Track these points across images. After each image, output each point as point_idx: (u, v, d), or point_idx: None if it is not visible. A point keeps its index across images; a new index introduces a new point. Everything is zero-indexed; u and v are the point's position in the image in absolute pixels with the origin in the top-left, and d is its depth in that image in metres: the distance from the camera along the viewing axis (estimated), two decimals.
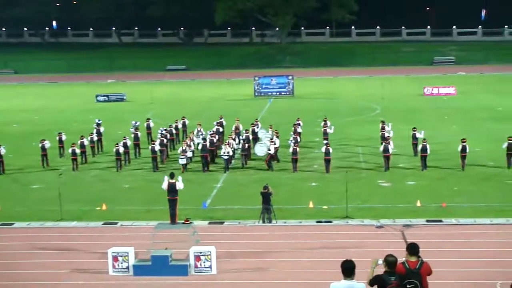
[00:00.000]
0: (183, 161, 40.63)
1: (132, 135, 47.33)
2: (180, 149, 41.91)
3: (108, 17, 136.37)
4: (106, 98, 78.94)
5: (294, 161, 41.47)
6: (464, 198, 34.10)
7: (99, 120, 51.48)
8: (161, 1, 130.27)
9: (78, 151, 43.65)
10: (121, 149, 43.10)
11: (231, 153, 41.71)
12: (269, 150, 41.55)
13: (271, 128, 47.06)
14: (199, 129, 47.10)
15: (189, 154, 41.88)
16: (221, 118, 51.22)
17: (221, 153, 41.89)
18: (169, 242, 25.88)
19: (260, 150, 42.84)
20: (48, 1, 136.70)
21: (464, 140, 40.22)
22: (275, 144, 42.35)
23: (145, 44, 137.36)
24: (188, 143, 42.66)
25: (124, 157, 44.06)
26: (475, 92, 76.46)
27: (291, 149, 41.86)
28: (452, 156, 41.97)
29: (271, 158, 41.41)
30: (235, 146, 43.80)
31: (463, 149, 39.87)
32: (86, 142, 45.32)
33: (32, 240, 29.56)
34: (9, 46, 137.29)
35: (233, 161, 43.00)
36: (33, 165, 44.60)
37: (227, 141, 42.98)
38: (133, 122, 51.25)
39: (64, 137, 46.93)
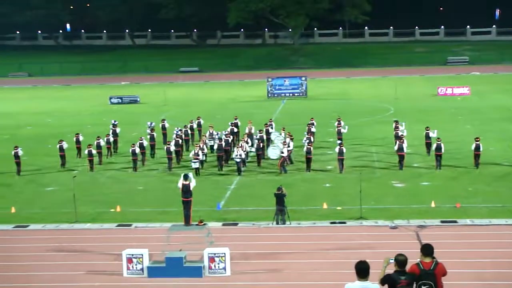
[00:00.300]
0: (196, 165, 40.13)
1: (148, 136, 47.66)
2: (192, 152, 41.44)
3: (121, 19, 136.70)
4: (120, 100, 79.18)
5: (308, 160, 41.62)
6: (478, 199, 33.99)
7: (115, 121, 52.22)
8: (173, 3, 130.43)
9: (94, 151, 44.05)
10: (137, 150, 43.48)
11: (243, 156, 41.32)
12: (282, 153, 41.20)
13: (283, 130, 46.58)
14: (211, 131, 47.11)
15: (202, 157, 41.50)
16: (236, 119, 51.35)
17: (234, 156, 41.54)
18: (183, 244, 25.95)
19: (273, 153, 42.58)
20: (61, 4, 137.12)
21: (477, 139, 40.57)
22: (288, 146, 41.98)
23: (158, 46, 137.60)
24: (201, 146, 42.28)
25: (141, 157, 44.40)
26: (489, 92, 76.20)
27: (305, 149, 42.02)
28: (466, 156, 42.09)
29: (284, 161, 41.15)
30: (248, 149, 43.44)
31: (477, 148, 40.23)
32: (102, 143, 45.88)
33: (47, 242, 29.69)
34: (23, 49, 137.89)
35: (246, 164, 42.48)
36: (48, 167, 44.83)
37: (240, 144, 42.71)
38: (149, 123, 51.44)
39: (81, 138, 47.34)
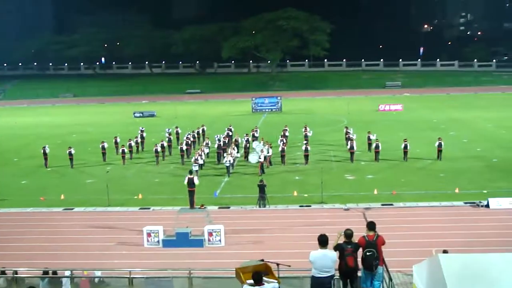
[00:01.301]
0: (196, 168, 38.74)
1: (166, 139, 48.71)
2: (193, 158, 40.27)
3: (143, 54, 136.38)
4: (141, 114, 78.90)
5: (283, 156, 42.23)
6: (409, 187, 34.17)
7: (142, 128, 53.86)
8: (181, 42, 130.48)
9: (126, 150, 45.42)
10: (159, 149, 44.66)
11: (232, 161, 40.01)
12: (260, 158, 39.89)
13: (263, 140, 45.72)
14: (207, 142, 46.59)
15: (201, 161, 40.40)
16: (230, 126, 52.82)
17: (224, 161, 40.29)
18: (189, 222, 25.92)
19: (253, 158, 41.24)
20: (98, 42, 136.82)
21: (405, 140, 42.70)
22: (268, 153, 41.18)
23: (170, 74, 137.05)
24: (200, 153, 41.29)
25: (162, 154, 45.29)
26: (417, 109, 76.46)
27: (280, 148, 42.60)
28: (398, 153, 42.91)
29: (262, 165, 39.52)
30: (235, 155, 42.06)
31: (405, 146, 42.19)
32: (132, 143, 47.28)
33: (87, 221, 29.64)
34: (70, 76, 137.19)
35: (233, 168, 40.77)
36: (88, 164, 44.66)
37: (228, 151, 41.12)
38: (167, 129, 53.08)
39: (118, 140, 48.74)
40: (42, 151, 44.87)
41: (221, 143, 44.92)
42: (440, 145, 41.93)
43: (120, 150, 45.33)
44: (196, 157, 39.94)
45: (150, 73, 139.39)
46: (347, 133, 48.32)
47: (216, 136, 47.24)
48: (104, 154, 46.30)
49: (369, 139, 45.58)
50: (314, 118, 69.41)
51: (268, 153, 41.36)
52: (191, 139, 48.82)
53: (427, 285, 12.55)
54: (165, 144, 46.74)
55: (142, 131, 52.16)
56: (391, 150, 44.67)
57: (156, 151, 44.20)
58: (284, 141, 44.92)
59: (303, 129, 50.32)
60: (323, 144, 49.93)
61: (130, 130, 58.85)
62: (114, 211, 31.40)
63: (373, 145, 43.26)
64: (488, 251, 20.11)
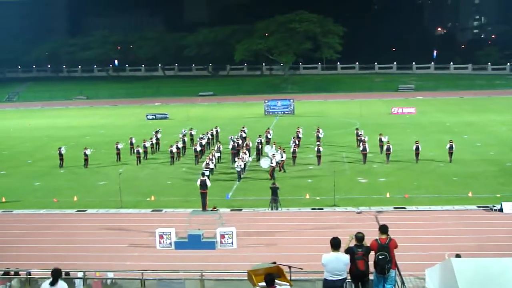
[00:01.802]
0: (207, 172, 37.63)
1: (181, 140, 49.00)
2: (204, 163, 39.40)
3: (156, 56, 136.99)
4: (154, 117, 79.14)
5: (294, 158, 42.38)
6: (421, 191, 33.99)
7: (158, 129, 54.25)
8: (194, 45, 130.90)
9: (141, 150, 45.85)
10: (174, 149, 45.05)
11: (242, 166, 39.04)
12: (272, 163, 38.92)
13: (275, 144, 45.50)
14: (218, 146, 46.15)
15: (212, 166, 39.42)
16: (244, 128, 52.51)
17: (235, 166, 39.51)
18: (201, 225, 25.94)
19: (264, 163, 40.05)
20: (111, 45, 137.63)
21: (417, 142, 43.13)
22: (282, 157, 40.12)
23: (183, 76, 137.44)
24: (211, 157, 40.51)
25: (176, 155, 45.63)
26: (430, 112, 76.17)
27: (291, 149, 42.93)
28: (411, 155, 42.93)
29: (273, 170, 38.57)
30: (247, 159, 41.52)
31: (417, 148, 42.41)
32: (147, 144, 47.60)
33: (100, 223, 29.74)
34: (83, 79, 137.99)
35: (244, 173, 39.71)
36: (101, 166, 44.87)
37: (240, 156, 40.48)
38: (183, 130, 53.77)
39: (134, 140, 49.54)
40: (58, 152, 45.38)
41: (235, 143, 45.13)
42: (451, 147, 41.96)
43: (135, 151, 45.98)
44: (207, 162, 39.33)
45: (163, 75, 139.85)
46: (358, 135, 48.65)
47: (230, 136, 47.61)
48: (118, 154, 46.66)
49: (380, 141, 45.55)
50: (326, 120, 69.32)
51: (282, 157, 40.20)
52: (206, 140, 49.25)
53: None
54: (180, 145, 46.91)
55: (157, 132, 52.65)
56: (404, 152, 44.57)
57: (171, 152, 44.78)
58: (297, 142, 45.09)
59: (316, 131, 50.50)
60: (335, 145, 49.95)
61: (143, 132, 59.09)
62: (127, 213, 31.47)
63: (385, 147, 43.38)
64: (502, 255, 20.01)
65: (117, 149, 46.73)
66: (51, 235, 27.96)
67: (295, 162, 42.28)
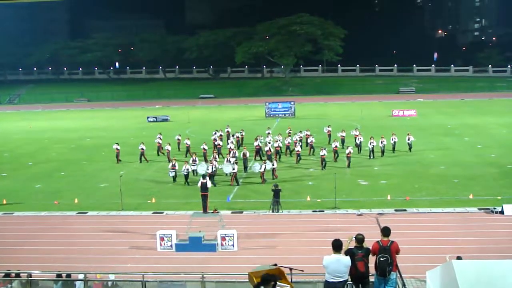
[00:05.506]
0: (232, 161, 38.60)
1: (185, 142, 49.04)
2: (225, 159, 39.74)
3: (156, 59, 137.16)
4: (155, 119, 79.05)
5: (298, 155, 43.83)
6: (422, 193, 33.98)
7: (160, 134, 52.33)
8: (195, 47, 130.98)
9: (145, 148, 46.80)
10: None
11: (233, 169, 38.02)
12: (261, 169, 37.73)
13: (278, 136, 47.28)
14: (219, 148, 46.52)
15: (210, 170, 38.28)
16: (242, 131, 53.00)
17: (226, 172, 39.07)
18: (202, 227, 25.94)
19: (226, 169, 38.84)
20: (112, 47, 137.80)
21: (409, 134, 47.44)
22: (273, 165, 39.07)
23: (184, 78, 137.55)
24: (212, 161, 39.83)
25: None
26: (431, 114, 76.14)
27: (297, 148, 44.26)
28: (411, 158, 42.51)
29: (263, 175, 37.73)
30: (230, 159, 39.94)
31: (408, 139, 45.78)
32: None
33: (100, 225, 29.75)
34: (84, 81, 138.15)
35: (241, 180, 38.50)
36: (102, 169, 44.83)
37: (224, 161, 39.91)
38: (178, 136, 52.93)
39: (118, 147, 48.09)
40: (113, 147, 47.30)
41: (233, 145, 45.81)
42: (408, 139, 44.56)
43: (140, 148, 46.48)
44: (228, 158, 39.68)
45: (163, 78, 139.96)
46: (358, 135, 49.15)
47: (230, 139, 47.84)
48: (117, 154, 46.86)
49: (381, 143, 45.90)
50: (327, 123, 69.19)
51: (273, 165, 39.21)
52: (218, 141, 48.11)
53: None
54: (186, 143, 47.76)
55: (160, 138, 51.55)
56: (405, 154, 44.52)
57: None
58: (301, 142, 46.73)
59: (326, 130, 53.07)
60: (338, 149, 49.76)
61: (144, 135, 59.07)
62: (128, 215, 31.48)
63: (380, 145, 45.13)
64: (503, 257, 19.98)
65: (116, 149, 46.91)
66: (52, 237, 27.98)
67: (299, 160, 43.46)
